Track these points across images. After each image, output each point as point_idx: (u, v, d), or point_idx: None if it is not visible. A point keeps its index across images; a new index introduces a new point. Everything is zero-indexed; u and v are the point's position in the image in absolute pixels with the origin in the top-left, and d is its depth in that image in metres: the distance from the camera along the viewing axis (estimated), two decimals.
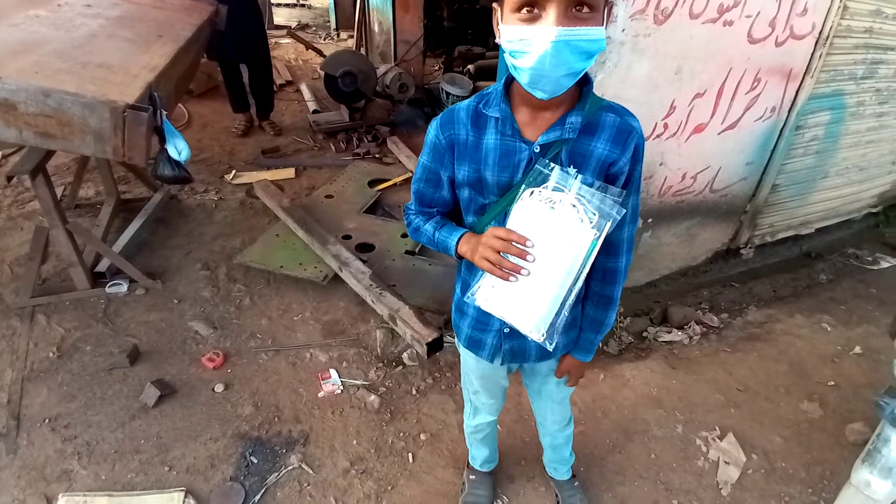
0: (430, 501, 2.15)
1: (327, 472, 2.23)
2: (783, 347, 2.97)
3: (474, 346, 1.52)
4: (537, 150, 1.16)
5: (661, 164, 2.69)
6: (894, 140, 3.74)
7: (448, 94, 5.42)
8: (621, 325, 3.01)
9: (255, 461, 2.25)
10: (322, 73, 5.49)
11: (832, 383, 2.75)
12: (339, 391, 2.59)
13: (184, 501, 2.08)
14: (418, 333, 2.67)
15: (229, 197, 4.17)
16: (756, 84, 2.69)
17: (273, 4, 10.13)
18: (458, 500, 2.13)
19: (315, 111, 5.80)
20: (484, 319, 1.44)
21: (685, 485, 2.23)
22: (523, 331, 1.17)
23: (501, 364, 1.54)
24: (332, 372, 2.67)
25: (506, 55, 1.06)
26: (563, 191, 1.09)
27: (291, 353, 2.79)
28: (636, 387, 2.67)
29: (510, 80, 1.16)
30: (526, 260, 1.10)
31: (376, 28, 6.69)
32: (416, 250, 3.47)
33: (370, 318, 3.02)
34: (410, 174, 4.38)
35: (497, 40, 1.07)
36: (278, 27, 9.17)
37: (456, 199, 1.37)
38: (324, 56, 5.83)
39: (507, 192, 1.21)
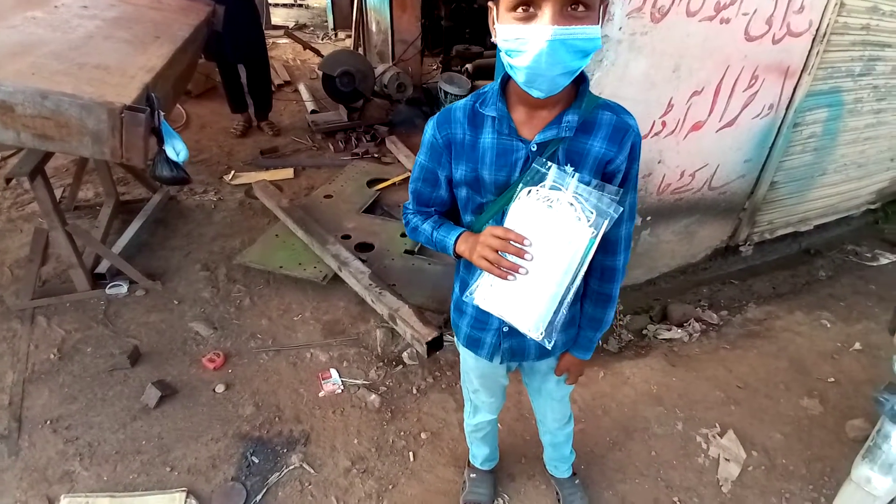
0: (431, 500, 2.15)
1: (328, 471, 2.23)
2: (783, 344, 2.97)
3: (473, 344, 1.52)
4: (534, 149, 1.16)
5: (659, 162, 2.69)
6: (892, 136, 3.74)
7: (446, 93, 5.42)
8: (621, 322, 3.02)
9: (257, 461, 2.25)
10: (320, 73, 5.49)
11: (832, 380, 2.76)
12: (340, 391, 2.59)
13: (185, 502, 2.09)
14: (418, 332, 2.67)
15: (228, 197, 4.18)
16: (753, 81, 2.69)
17: (270, 4, 10.12)
18: (458, 499, 2.14)
19: (313, 111, 5.80)
20: (483, 318, 1.44)
21: (686, 482, 2.24)
22: (522, 329, 1.17)
23: (501, 363, 1.54)
24: (333, 371, 2.68)
25: (502, 54, 1.06)
26: (560, 189, 1.09)
27: (292, 353, 2.79)
28: (636, 384, 2.67)
29: (506, 79, 1.16)
30: (524, 259, 1.10)
31: (374, 28, 6.69)
32: (416, 249, 3.47)
33: (370, 317, 3.03)
34: (409, 174, 4.37)
35: (493, 39, 1.07)
36: (276, 27, 9.16)
37: (454, 199, 1.37)
38: (321, 56, 5.83)
39: (505, 191, 1.21)
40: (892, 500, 1.93)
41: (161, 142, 2.25)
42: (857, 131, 3.46)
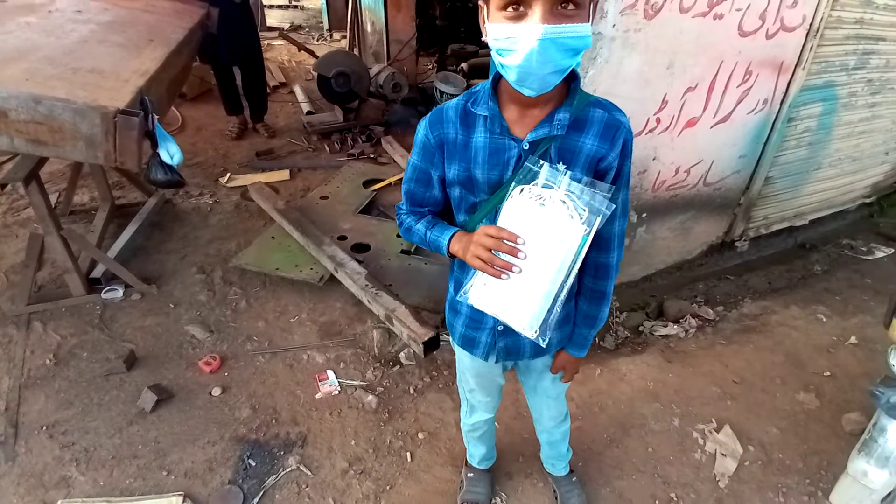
0: (428, 500, 2.15)
1: (326, 473, 2.23)
2: (779, 339, 2.98)
3: (469, 344, 1.52)
4: (526, 148, 1.16)
5: (654, 159, 2.70)
6: (887, 130, 3.75)
7: (442, 92, 5.42)
8: (617, 319, 3.02)
9: (253, 464, 2.25)
10: (315, 74, 5.48)
11: (828, 374, 2.76)
12: (337, 392, 2.59)
13: None
14: (415, 332, 2.67)
15: (224, 200, 4.17)
16: (747, 77, 2.69)
17: (266, 6, 10.11)
18: (456, 498, 2.13)
19: (309, 112, 5.80)
20: (478, 318, 1.44)
21: (683, 478, 2.24)
22: (516, 328, 1.18)
23: (496, 362, 1.54)
24: (330, 373, 2.67)
25: (493, 53, 1.06)
26: (552, 187, 1.09)
27: (288, 355, 2.79)
28: (633, 381, 2.67)
29: (498, 78, 1.16)
30: (517, 257, 1.10)
31: (369, 28, 6.68)
32: (412, 250, 3.47)
33: (367, 318, 3.02)
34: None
35: (484, 38, 1.07)
36: (271, 29, 9.16)
37: (447, 198, 1.37)
38: (317, 57, 5.82)
39: (498, 190, 1.22)
40: (890, 493, 1.94)
41: (155, 145, 2.25)
42: (852, 125, 3.47)
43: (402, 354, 2.79)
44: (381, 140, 5.29)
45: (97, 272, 3.15)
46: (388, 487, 2.19)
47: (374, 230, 3.70)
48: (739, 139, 2.95)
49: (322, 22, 9.82)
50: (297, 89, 6.46)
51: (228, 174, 4.54)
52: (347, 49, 7.13)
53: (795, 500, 2.17)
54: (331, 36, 9.43)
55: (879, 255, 3.79)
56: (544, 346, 1.21)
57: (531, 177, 1.11)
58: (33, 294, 3.01)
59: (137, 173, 3.60)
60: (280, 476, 2.21)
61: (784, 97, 2.94)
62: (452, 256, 1.33)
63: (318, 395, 2.56)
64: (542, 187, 1.10)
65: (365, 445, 2.35)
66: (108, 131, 1.99)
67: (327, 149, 5.21)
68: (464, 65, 6.30)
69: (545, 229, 1.10)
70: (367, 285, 2.99)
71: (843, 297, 3.35)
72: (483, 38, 1.08)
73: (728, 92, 2.68)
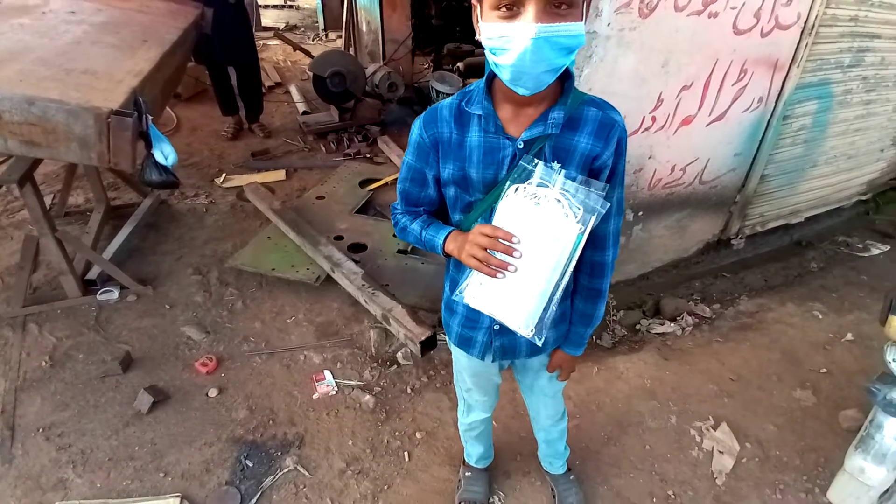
0: (426, 499, 2.15)
1: (323, 473, 2.23)
2: (775, 336, 2.98)
3: (465, 343, 1.52)
4: (521, 147, 1.16)
5: (650, 157, 2.70)
6: (882, 127, 3.76)
7: (438, 92, 5.42)
8: (614, 318, 3.02)
9: (251, 465, 2.25)
10: (311, 73, 5.47)
11: (824, 370, 2.77)
12: (334, 392, 2.58)
13: None
14: (412, 332, 2.67)
15: (220, 200, 4.16)
16: (743, 75, 2.69)
17: (261, 6, 10.09)
18: (454, 498, 2.13)
19: (304, 112, 5.79)
20: (473, 317, 1.44)
21: (680, 475, 2.24)
22: (512, 327, 1.18)
23: (493, 361, 1.54)
24: (327, 373, 2.67)
25: (486, 52, 1.06)
26: (547, 186, 1.09)
27: (285, 355, 2.79)
28: (630, 379, 2.68)
29: (492, 77, 1.16)
30: (512, 256, 1.10)
31: (364, 28, 6.68)
32: (409, 249, 3.47)
33: (364, 318, 3.02)
34: None
35: (477, 37, 1.07)
36: (266, 29, 9.14)
37: (442, 198, 1.37)
38: (312, 57, 5.81)
39: (493, 189, 1.21)
40: (888, 490, 1.94)
41: (149, 146, 2.24)
42: (847, 123, 3.48)
43: (399, 354, 2.79)
44: (377, 140, 5.29)
45: (92, 274, 3.13)
46: (385, 487, 2.18)
47: (371, 230, 3.70)
48: (735, 137, 2.95)
49: (317, 21, 9.80)
50: (293, 89, 6.45)
51: (224, 175, 4.54)
52: (343, 49, 7.11)
53: (793, 497, 2.18)
54: (326, 36, 9.42)
55: (875, 251, 3.80)
56: (540, 345, 1.21)
57: (526, 176, 1.11)
58: (29, 296, 3.00)
59: (133, 174, 3.61)
60: (277, 477, 2.20)
61: (779, 95, 2.94)
62: (448, 256, 1.32)
63: (315, 396, 2.56)
64: (537, 186, 1.10)
65: (362, 445, 2.34)
66: (101, 132, 1.98)
67: (323, 149, 5.20)
68: (460, 64, 6.30)
69: (540, 228, 1.10)
70: (363, 285, 2.99)
71: (839, 294, 3.36)
72: (476, 38, 1.07)
73: (723, 90, 2.68)
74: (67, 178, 3.77)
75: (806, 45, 2.80)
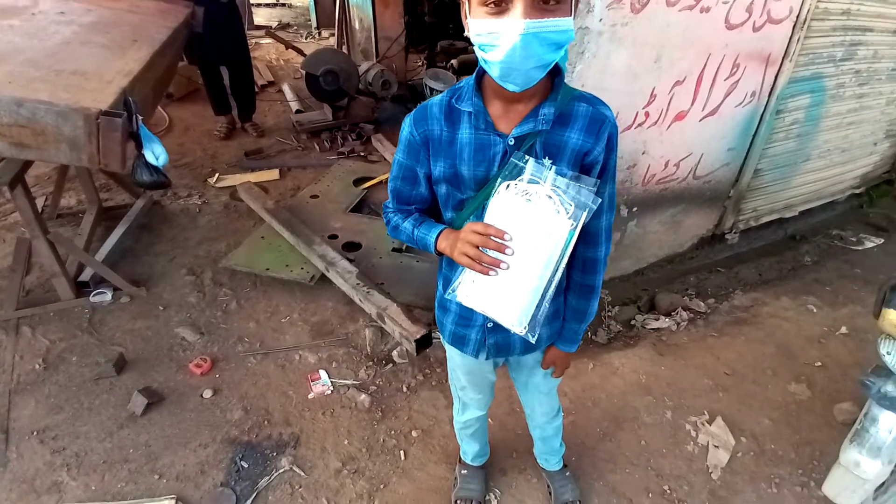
0: (422, 498, 2.15)
1: (319, 473, 2.22)
2: (770, 330, 2.99)
3: (459, 342, 1.51)
4: (512, 143, 1.16)
5: (643, 153, 2.70)
6: (875, 121, 3.77)
7: (432, 89, 5.40)
8: (609, 314, 3.02)
9: (246, 466, 2.24)
10: (304, 72, 5.45)
11: (819, 364, 2.77)
12: (330, 392, 2.58)
13: None
14: (406, 331, 2.66)
15: (213, 201, 4.14)
16: (735, 70, 2.69)
17: (253, 5, 10.06)
18: (450, 496, 2.13)
19: (298, 111, 5.77)
20: (467, 315, 1.43)
21: (675, 470, 2.25)
22: (505, 324, 1.18)
23: (487, 359, 1.54)
24: (322, 373, 2.66)
25: (475, 48, 1.05)
26: (538, 182, 1.09)
27: (280, 355, 2.78)
28: (625, 375, 2.68)
29: (482, 74, 1.16)
30: (504, 253, 1.10)
31: (357, 25, 6.65)
32: (403, 248, 3.46)
33: (359, 317, 3.01)
34: None
35: (466, 33, 1.07)
36: (258, 27, 9.11)
37: (434, 196, 1.36)
38: (305, 55, 5.79)
39: (484, 187, 1.21)
40: (883, 484, 1.94)
41: (140, 146, 2.22)
42: (840, 116, 3.49)
43: (394, 353, 2.78)
44: (371, 138, 5.27)
45: (85, 275, 3.12)
46: (381, 486, 2.18)
47: (366, 228, 3.69)
48: (728, 132, 2.95)
49: (310, 20, 9.78)
50: (286, 88, 6.43)
51: (217, 174, 4.51)
52: (336, 47, 7.09)
53: (788, 491, 2.19)
54: (319, 34, 9.39)
55: (869, 245, 3.81)
56: (534, 342, 1.21)
57: (517, 172, 1.11)
58: (21, 299, 2.98)
59: (124, 175, 3.59)
60: (273, 477, 2.20)
61: (772, 89, 2.94)
62: (440, 254, 1.32)
63: (310, 396, 2.55)
64: (528, 183, 1.09)
65: (358, 444, 2.34)
66: (91, 133, 1.97)
67: (317, 147, 5.18)
68: (453, 61, 6.27)
69: (532, 225, 1.09)
70: (358, 284, 2.98)
71: (833, 287, 3.37)
72: (465, 34, 1.07)
73: (716, 85, 2.68)
74: (59, 179, 3.75)
75: (798, 39, 2.80)
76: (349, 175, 4.47)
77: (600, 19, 2.16)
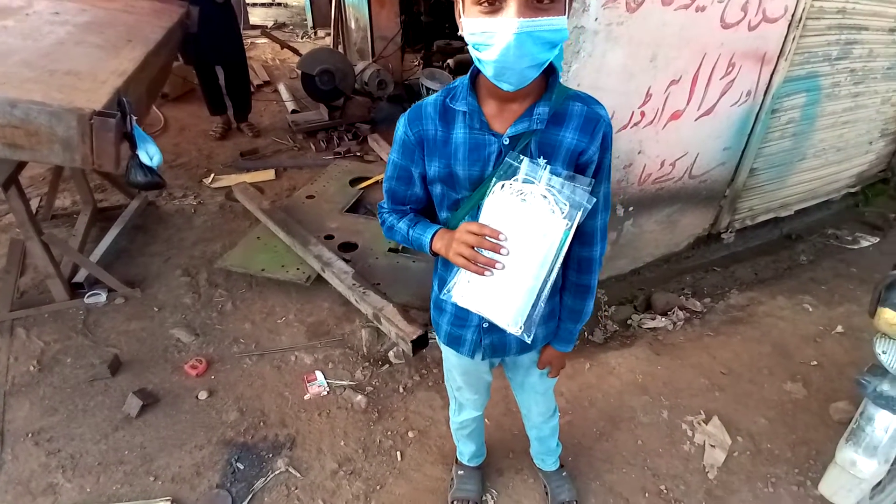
0: (419, 499, 2.14)
1: (315, 474, 2.22)
2: (766, 329, 2.99)
3: (454, 342, 1.51)
4: (506, 143, 1.15)
5: (639, 153, 2.69)
6: (870, 120, 3.77)
7: (428, 89, 5.39)
8: (605, 313, 3.02)
9: (242, 467, 2.23)
10: (299, 72, 5.44)
11: (815, 363, 2.78)
12: (326, 392, 2.57)
13: None
14: (403, 331, 2.66)
15: (208, 201, 4.13)
16: (731, 69, 2.69)
17: (248, 4, 10.03)
18: (447, 496, 2.13)
19: (294, 111, 5.76)
20: (462, 315, 1.43)
21: (672, 469, 2.25)
22: (501, 324, 1.17)
23: (482, 359, 1.53)
24: (318, 373, 2.66)
25: (470, 48, 1.05)
26: (533, 182, 1.08)
27: (276, 356, 2.77)
28: (622, 374, 2.68)
29: (476, 73, 1.15)
30: (500, 253, 1.09)
31: (353, 25, 6.64)
32: (400, 248, 3.45)
33: (355, 317, 3.00)
34: None
35: (460, 33, 1.06)
36: (254, 27, 9.08)
37: (429, 196, 1.36)
38: (300, 55, 5.78)
39: (479, 187, 1.20)
40: (879, 483, 1.95)
41: (134, 147, 2.21)
42: (836, 115, 3.49)
43: (390, 353, 2.77)
44: (367, 138, 5.27)
45: (80, 277, 3.11)
46: (378, 487, 2.17)
47: (362, 229, 3.68)
48: (724, 131, 2.95)
49: (306, 19, 9.75)
50: (282, 88, 6.42)
51: (212, 175, 4.50)
52: (332, 46, 7.07)
53: (784, 490, 2.19)
54: (315, 33, 9.37)
55: (865, 244, 3.82)
56: (530, 342, 1.21)
57: (511, 172, 1.10)
58: (16, 300, 2.96)
59: (119, 176, 3.58)
60: (269, 479, 2.19)
61: (767, 88, 2.94)
62: (435, 254, 1.31)
63: (306, 397, 2.55)
64: (523, 182, 1.09)
65: (354, 446, 2.33)
66: (84, 133, 1.96)
67: (313, 147, 5.17)
68: (450, 61, 6.27)
69: (527, 225, 1.09)
70: (354, 284, 2.97)
71: (829, 286, 3.37)
72: (459, 33, 1.06)
73: (711, 84, 2.68)
74: (54, 180, 3.73)
75: (793, 38, 2.80)
76: (345, 175, 4.46)
77: (596, 18, 2.16)
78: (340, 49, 6.99)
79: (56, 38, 2.66)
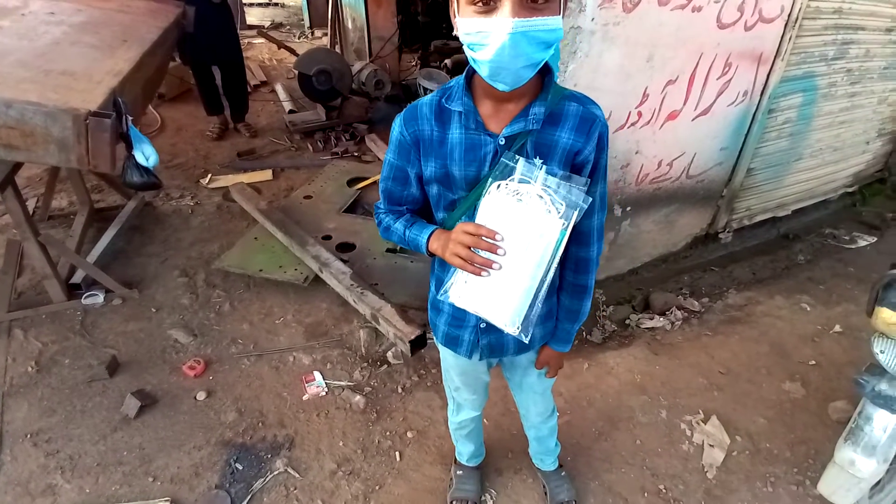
0: (418, 499, 2.14)
1: (314, 475, 2.21)
2: (764, 329, 3.00)
3: (452, 343, 1.51)
4: (502, 143, 1.15)
5: (636, 153, 2.69)
6: (867, 119, 3.78)
7: (425, 89, 5.39)
8: (604, 313, 3.02)
9: (240, 468, 2.23)
10: (296, 72, 5.44)
11: (813, 363, 2.78)
12: (324, 393, 2.57)
13: None
14: (401, 331, 2.65)
15: (206, 201, 4.12)
16: (727, 69, 2.70)
17: (245, 4, 10.02)
18: (446, 497, 2.13)
19: (291, 111, 5.75)
20: (460, 315, 1.43)
21: (671, 469, 2.25)
22: (498, 325, 1.17)
23: (480, 359, 1.53)
24: (316, 374, 2.65)
25: (465, 48, 1.05)
26: (529, 182, 1.08)
27: (274, 357, 2.77)
28: (620, 374, 2.68)
29: (472, 73, 1.15)
30: (496, 254, 1.09)
31: (350, 25, 6.64)
32: (397, 248, 3.45)
33: (353, 318, 3.00)
34: None
35: (455, 33, 1.06)
36: (251, 27, 9.07)
37: (426, 196, 1.35)
38: (297, 55, 5.78)
39: (476, 187, 1.20)
40: (879, 482, 1.95)
41: (129, 147, 2.21)
42: (832, 115, 3.50)
43: (389, 353, 2.77)
44: (364, 138, 5.27)
45: (77, 277, 3.10)
46: (377, 487, 2.17)
47: (359, 229, 3.68)
48: (721, 131, 2.96)
49: (303, 19, 9.75)
50: (279, 88, 6.41)
51: (210, 175, 4.49)
52: (329, 46, 7.07)
53: (783, 490, 2.19)
54: (312, 33, 9.37)
55: (862, 243, 3.82)
56: (527, 342, 1.21)
57: (507, 172, 1.10)
58: (13, 301, 2.95)
59: (115, 176, 3.57)
60: (268, 479, 2.19)
61: (764, 89, 2.95)
62: (432, 255, 1.31)
63: (305, 397, 2.54)
64: (519, 182, 1.09)
65: (353, 446, 2.33)
66: (79, 134, 1.96)
67: (310, 148, 5.17)
68: (447, 61, 6.26)
69: (523, 225, 1.09)
70: (352, 285, 2.97)
71: (826, 286, 3.38)
72: (454, 33, 1.06)
73: (708, 84, 2.68)
74: (50, 181, 3.72)
75: (790, 38, 2.80)
76: (343, 175, 4.46)
77: (592, 19, 2.16)
78: (337, 49, 6.98)
79: (51, 39, 2.65)
